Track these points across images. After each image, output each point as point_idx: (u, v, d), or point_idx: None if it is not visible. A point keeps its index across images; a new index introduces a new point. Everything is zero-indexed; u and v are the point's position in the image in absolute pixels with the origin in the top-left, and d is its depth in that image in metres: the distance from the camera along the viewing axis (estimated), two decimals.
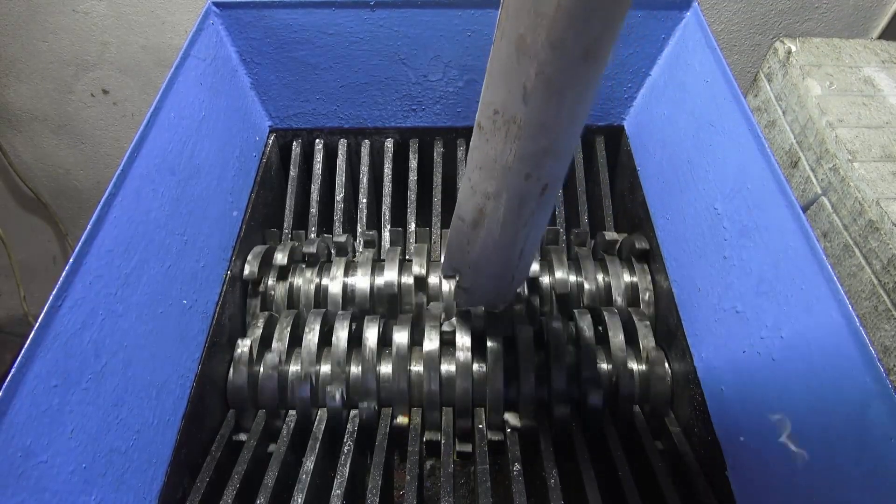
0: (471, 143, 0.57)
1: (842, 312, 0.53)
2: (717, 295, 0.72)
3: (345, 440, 0.76)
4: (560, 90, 0.45)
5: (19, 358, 0.51)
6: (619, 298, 0.88)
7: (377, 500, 0.68)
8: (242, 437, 0.79)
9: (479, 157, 0.55)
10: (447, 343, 0.83)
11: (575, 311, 0.85)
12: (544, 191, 0.56)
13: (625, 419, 0.79)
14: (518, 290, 0.86)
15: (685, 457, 0.73)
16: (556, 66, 0.43)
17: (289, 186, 1.04)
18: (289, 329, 0.82)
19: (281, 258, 0.89)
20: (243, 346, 0.80)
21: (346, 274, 0.90)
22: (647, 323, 0.84)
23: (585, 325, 0.82)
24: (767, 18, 1.36)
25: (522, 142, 0.50)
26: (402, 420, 0.80)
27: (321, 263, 0.93)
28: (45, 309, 0.54)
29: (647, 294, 0.89)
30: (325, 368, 0.81)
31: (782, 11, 1.35)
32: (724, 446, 0.67)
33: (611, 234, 0.94)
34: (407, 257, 0.96)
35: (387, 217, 1.02)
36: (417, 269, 0.89)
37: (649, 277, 0.90)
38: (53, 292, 0.55)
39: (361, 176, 1.05)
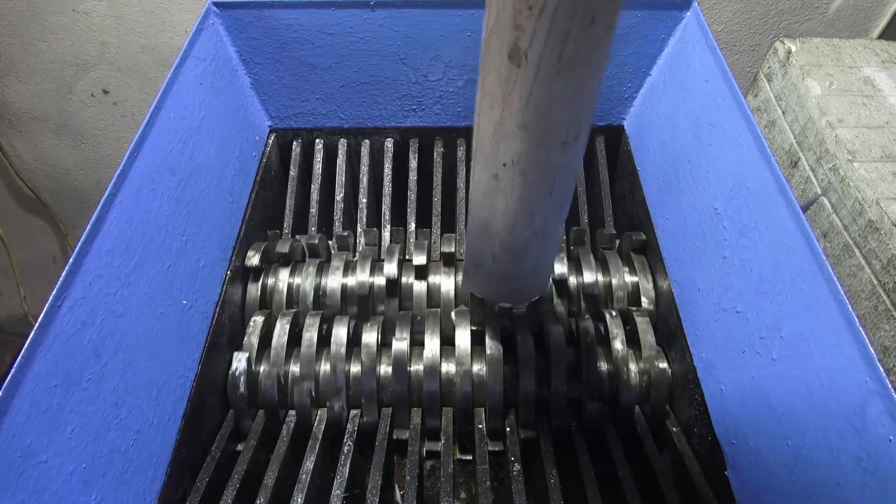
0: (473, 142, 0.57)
1: (842, 312, 0.53)
2: (717, 295, 0.72)
3: (345, 440, 0.76)
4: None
5: (19, 358, 0.51)
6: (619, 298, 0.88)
7: (377, 500, 0.68)
8: (242, 436, 0.79)
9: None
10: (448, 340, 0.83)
11: (574, 310, 0.85)
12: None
13: (625, 419, 0.79)
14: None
15: (685, 457, 0.73)
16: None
17: (289, 186, 1.04)
18: (288, 329, 0.82)
19: (283, 247, 0.89)
20: (243, 346, 0.80)
21: (345, 273, 0.90)
22: (648, 323, 0.84)
23: (585, 324, 0.82)
24: (767, 18, 1.36)
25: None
26: (402, 434, 0.80)
27: (321, 263, 0.93)
28: (45, 309, 0.54)
29: (647, 294, 0.89)
30: (325, 368, 0.81)
31: (782, 11, 1.35)
32: (724, 446, 0.67)
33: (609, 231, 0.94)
34: (407, 256, 0.96)
35: (387, 217, 1.02)
36: (417, 267, 0.88)
37: (650, 275, 0.90)
38: (53, 292, 0.55)
39: (361, 176, 1.05)
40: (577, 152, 0.54)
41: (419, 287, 0.89)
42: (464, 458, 0.80)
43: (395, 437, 0.80)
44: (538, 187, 0.56)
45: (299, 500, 0.67)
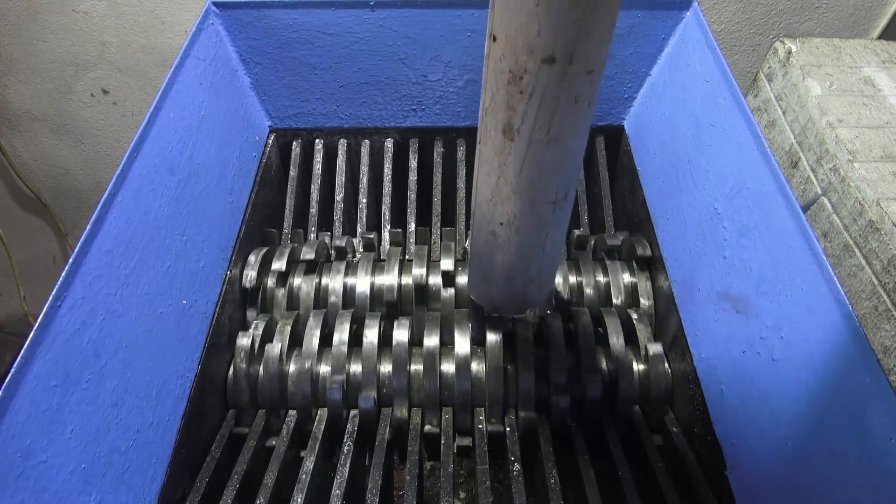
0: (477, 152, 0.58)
1: (842, 312, 0.53)
2: (718, 295, 0.72)
3: (344, 440, 0.76)
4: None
5: (19, 358, 0.51)
6: (618, 299, 0.88)
7: (377, 500, 0.68)
8: (242, 436, 0.79)
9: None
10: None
11: (574, 310, 0.85)
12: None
13: (625, 419, 0.79)
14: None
15: (685, 457, 0.73)
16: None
17: (289, 186, 1.04)
18: (289, 329, 0.82)
19: (279, 265, 0.88)
20: (243, 346, 0.80)
21: (345, 275, 0.90)
22: (647, 323, 0.84)
23: (585, 324, 0.82)
24: (767, 18, 1.36)
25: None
26: (401, 414, 0.80)
27: (321, 265, 0.93)
28: (45, 309, 0.54)
29: (647, 294, 0.89)
30: (325, 368, 0.81)
31: (782, 11, 1.35)
32: (724, 446, 0.67)
33: (612, 239, 0.94)
34: (407, 257, 0.96)
35: (387, 217, 1.01)
36: (417, 269, 0.88)
37: (649, 276, 0.90)
38: (53, 292, 0.55)
39: (361, 176, 1.05)
40: (566, 209, 0.61)
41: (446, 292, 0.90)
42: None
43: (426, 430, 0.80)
44: (532, 242, 0.63)
45: (299, 500, 0.67)
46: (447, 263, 0.88)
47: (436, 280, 0.90)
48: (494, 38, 0.47)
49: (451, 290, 0.89)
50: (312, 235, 1.00)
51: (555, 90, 0.46)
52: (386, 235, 0.99)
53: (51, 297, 0.55)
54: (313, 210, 1.02)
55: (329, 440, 0.80)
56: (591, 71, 0.46)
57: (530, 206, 0.58)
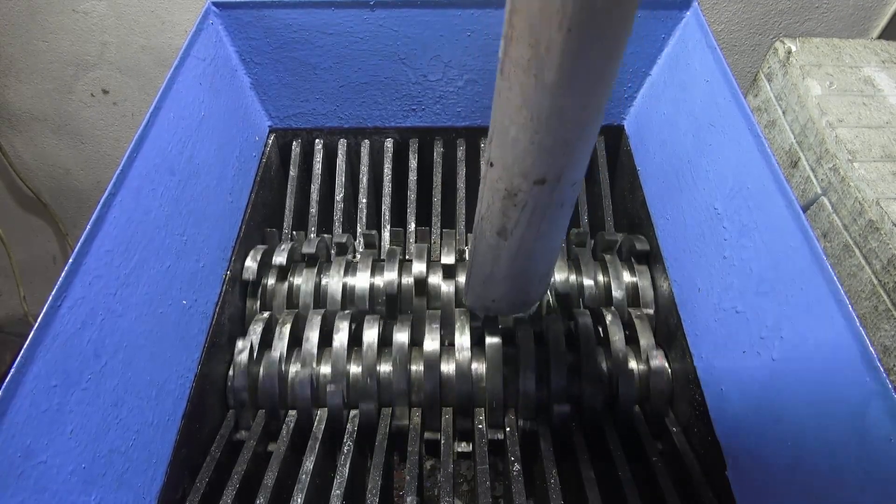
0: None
1: (842, 312, 0.53)
2: (717, 295, 0.71)
3: (344, 440, 0.76)
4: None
5: (19, 358, 0.51)
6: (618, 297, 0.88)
7: (377, 500, 0.68)
8: (242, 436, 0.79)
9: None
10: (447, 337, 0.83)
11: (575, 310, 0.85)
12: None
13: (625, 419, 0.79)
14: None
15: (685, 457, 0.73)
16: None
17: (288, 186, 1.04)
18: (289, 329, 0.82)
19: (280, 259, 0.89)
20: (243, 346, 0.80)
21: (345, 274, 0.90)
22: (647, 323, 0.84)
23: (585, 324, 0.82)
24: (767, 18, 1.36)
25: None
26: (402, 419, 0.80)
27: (321, 263, 0.93)
28: (45, 309, 0.54)
29: (647, 294, 0.89)
30: (325, 369, 0.81)
31: (782, 11, 1.35)
32: (724, 446, 0.67)
33: (611, 235, 0.94)
34: (407, 257, 0.96)
35: (387, 217, 1.01)
36: (417, 268, 0.88)
37: (649, 276, 0.90)
38: (53, 292, 0.55)
39: (361, 176, 1.05)
40: (547, 286, 0.77)
41: (447, 288, 0.90)
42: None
43: (425, 436, 0.81)
44: (517, 311, 0.78)
45: (299, 500, 0.67)
46: (448, 259, 0.88)
47: (436, 279, 0.90)
48: (492, 164, 0.52)
49: (452, 287, 0.89)
50: (312, 235, 1.00)
51: (545, 202, 0.53)
52: (386, 235, 0.99)
53: (51, 297, 0.55)
54: (313, 210, 1.02)
55: (329, 440, 0.80)
56: (575, 183, 0.53)
57: (518, 289, 0.69)
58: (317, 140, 1.08)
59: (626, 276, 0.90)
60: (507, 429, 0.77)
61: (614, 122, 1.06)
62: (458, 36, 0.95)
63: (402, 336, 0.80)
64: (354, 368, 0.81)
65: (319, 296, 0.90)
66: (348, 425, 0.79)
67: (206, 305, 0.79)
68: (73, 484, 0.54)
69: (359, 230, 1.01)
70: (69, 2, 1.33)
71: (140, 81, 1.49)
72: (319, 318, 0.83)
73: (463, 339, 0.80)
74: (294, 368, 0.81)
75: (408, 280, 0.89)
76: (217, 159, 0.87)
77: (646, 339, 0.82)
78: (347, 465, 0.72)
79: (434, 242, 0.98)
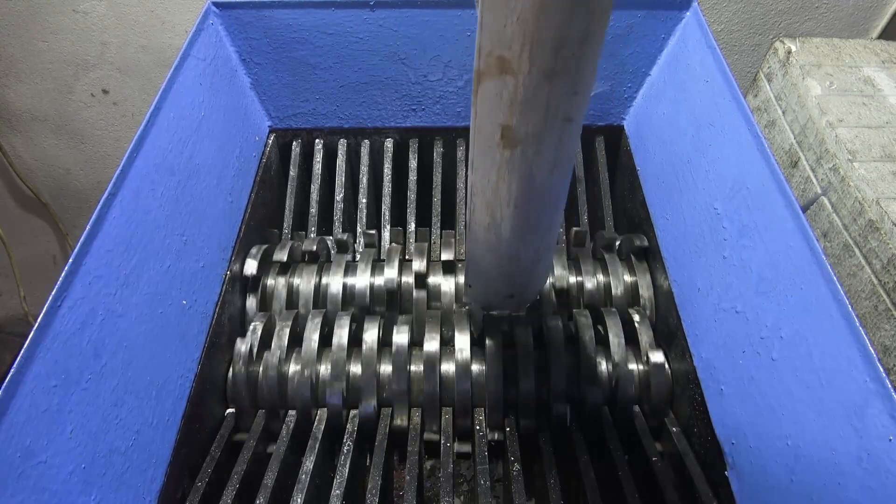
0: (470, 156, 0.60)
1: (841, 312, 0.53)
2: (717, 295, 0.71)
3: (344, 440, 0.76)
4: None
5: (19, 358, 0.51)
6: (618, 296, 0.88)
7: (377, 500, 0.68)
8: (242, 437, 0.79)
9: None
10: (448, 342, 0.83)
11: (574, 310, 0.85)
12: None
13: (625, 419, 0.79)
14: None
15: (685, 457, 0.73)
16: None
17: (288, 186, 1.04)
18: (289, 329, 0.82)
19: (281, 256, 0.89)
20: (243, 345, 0.80)
21: (345, 274, 0.90)
22: (647, 323, 0.84)
23: (585, 324, 0.82)
24: (767, 18, 1.36)
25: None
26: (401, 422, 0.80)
27: (321, 263, 0.93)
28: (45, 309, 0.54)
29: (647, 293, 0.89)
30: (325, 369, 0.81)
31: (782, 11, 1.35)
32: (724, 446, 0.67)
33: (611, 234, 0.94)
34: (407, 257, 0.96)
35: (387, 217, 1.01)
36: (417, 267, 0.88)
37: (648, 276, 0.90)
38: (53, 292, 0.55)
39: (361, 176, 1.05)
40: (542, 283, 0.83)
41: (447, 286, 0.90)
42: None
43: (424, 438, 0.81)
44: (514, 307, 0.79)
45: (299, 500, 0.67)
46: (448, 256, 0.88)
47: (436, 278, 0.90)
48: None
49: (452, 286, 0.89)
50: (312, 235, 1.00)
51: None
52: (386, 235, 0.99)
53: (51, 297, 0.55)
54: (313, 210, 1.02)
55: (329, 440, 0.80)
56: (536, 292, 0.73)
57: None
58: (317, 140, 1.08)
59: (626, 276, 0.90)
60: (507, 429, 0.77)
61: (614, 122, 1.06)
62: (458, 36, 0.95)
63: (401, 336, 0.80)
64: (354, 368, 0.81)
65: (319, 296, 0.90)
66: (348, 425, 0.79)
67: (205, 305, 0.79)
68: (73, 484, 0.54)
69: (359, 230, 1.01)
70: (69, 2, 1.33)
71: (140, 81, 1.49)
72: (320, 318, 0.83)
73: (462, 340, 0.80)
74: (294, 368, 0.81)
75: (408, 279, 0.89)
76: (217, 159, 0.87)
77: (646, 339, 0.82)
78: (347, 466, 0.72)
79: (434, 242, 0.98)
